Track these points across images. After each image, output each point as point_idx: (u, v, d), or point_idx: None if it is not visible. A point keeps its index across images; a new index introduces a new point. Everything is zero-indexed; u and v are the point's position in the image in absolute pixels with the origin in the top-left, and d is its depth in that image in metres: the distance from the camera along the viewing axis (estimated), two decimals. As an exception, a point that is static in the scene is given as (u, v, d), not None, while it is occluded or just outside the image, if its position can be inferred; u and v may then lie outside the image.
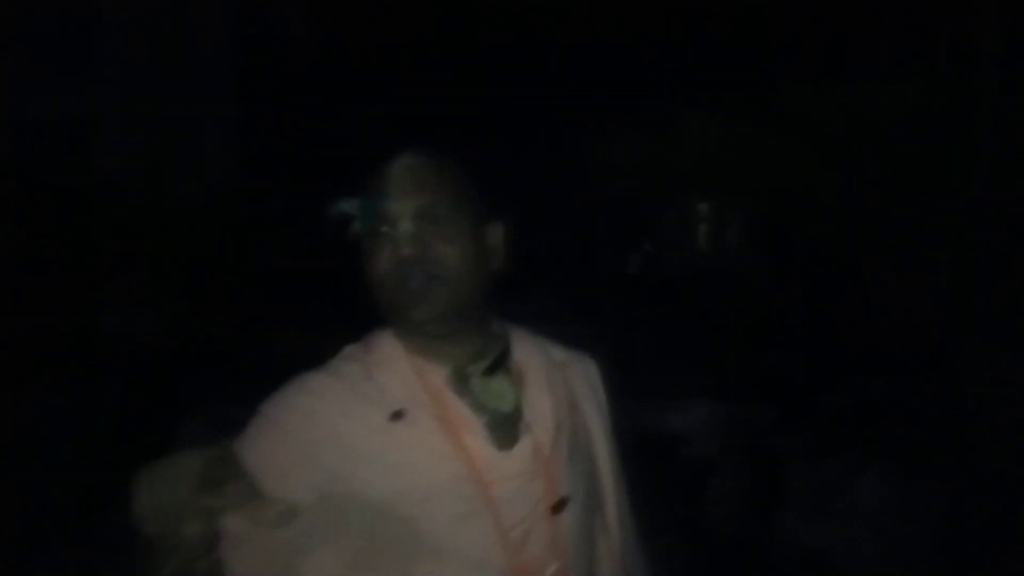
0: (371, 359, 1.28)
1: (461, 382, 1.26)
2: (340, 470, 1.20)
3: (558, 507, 1.25)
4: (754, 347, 6.09)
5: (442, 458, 1.22)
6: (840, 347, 4.56)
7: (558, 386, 1.34)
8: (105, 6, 14.71)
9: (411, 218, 1.23)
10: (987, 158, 3.15)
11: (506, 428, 1.25)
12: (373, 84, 15.73)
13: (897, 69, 3.46)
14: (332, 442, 1.22)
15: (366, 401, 1.24)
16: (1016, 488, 3.33)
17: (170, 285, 8.00)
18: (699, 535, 4.25)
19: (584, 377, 1.40)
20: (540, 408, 1.29)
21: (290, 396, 1.27)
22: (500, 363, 1.30)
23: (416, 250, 1.22)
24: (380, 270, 1.23)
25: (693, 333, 6.97)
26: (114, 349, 6.59)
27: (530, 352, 1.34)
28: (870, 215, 3.49)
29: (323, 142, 15.36)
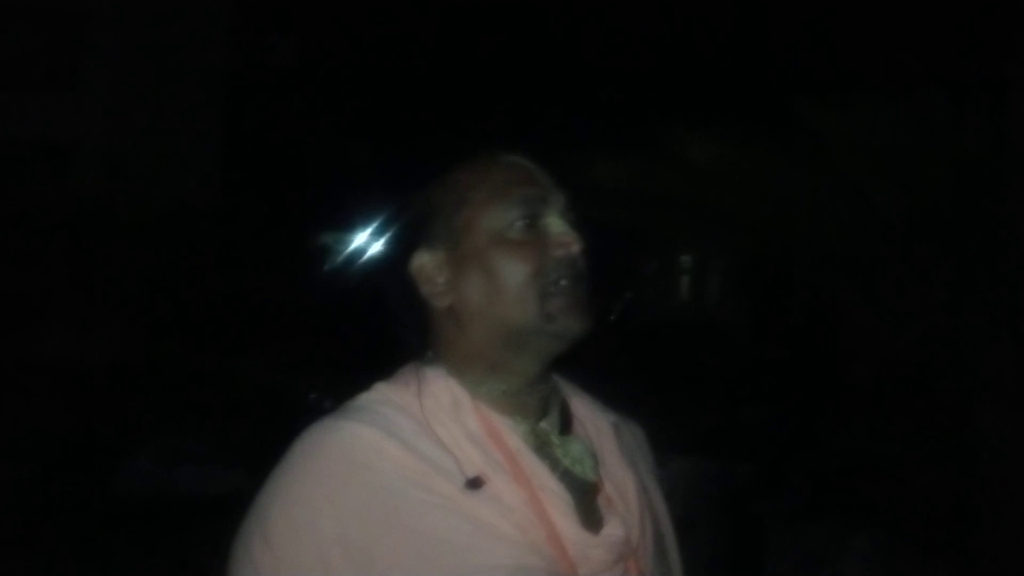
0: (428, 408, 0.99)
1: (540, 441, 1.01)
2: (399, 562, 0.90)
3: None
4: (736, 400, 5.92)
5: (534, 545, 0.93)
6: (827, 403, 4.37)
7: (627, 453, 1.09)
8: (93, 28, 14.60)
9: (562, 211, 1.03)
10: (1015, 200, 2.98)
11: (584, 504, 0.99)
12: (361, 117, 15.66)
13: (920, 91, 3.30)
14: (389, 527, 0.91)
15: (430, 466, 0.94)
16: (1015, 559, 3.11)
17: (126, 310, 7.76)
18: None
19: (638, 445, 1.15)
20: (621, 481, 1.04)
21: (332, 463, 0.95)
22: (569, 420, 1.06)
23: (576, 248, 1.01)
24: (527, 273, 0.98)
25: (672, 384, 6.80)
26: (61, 374, 6.31)
27: (589, 409, 1.10)
28: (873, 256, 3.31)
29: (307, 174, 15.24)
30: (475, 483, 0.93)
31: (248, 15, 16.24)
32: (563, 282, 0.99)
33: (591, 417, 1.08)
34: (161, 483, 5.46)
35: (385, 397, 1.01)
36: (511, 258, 0.99)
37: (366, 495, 0.92)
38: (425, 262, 1.03)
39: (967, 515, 3.09)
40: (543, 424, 1.02)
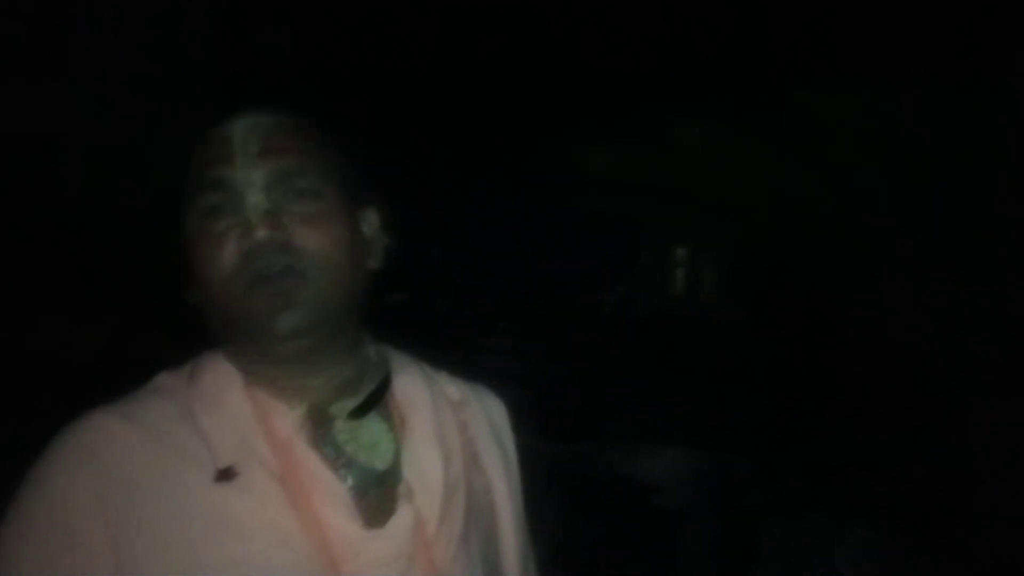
0: (194, 393, 0.94)
1: (320, 427, 0.93)
2: (136, 562, 0.84)
3: None
4: (730, 393, 5.90)
5: (285, 539, 0.86)
6: (822, 396, 4.37)
7: (451, 435, 1.00)
8: (83, 20, 14.52)
9: (262, 189, 0.91)
10: (1012, 194, 2.96)
11: (379, 494, 0.92)
12: (354, 114, 15.60)
13: (917, 84, 3.27)
14: (124, 522, 0.86)
15: (178, 455, 0.89)
16: (1010, 554, 3.11)
17: (116, 305, 7.71)
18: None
19: (487, 421, 1.06)
20: (426, 466, 0.95)
21: (61, 457, 0.89)
22: (374, 401, 0.96)
23: (275, 231, 0.90)
24: (222, 268, 0.90)
25: (666, 376, 6.79)
26: (49, 370, 6.25)
27: (416, 388, 1.00)
28: (869, 249, 3.30)
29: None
30: (226, 474, 0.87)
31: (240, 9, 16.16)
32: (253, 275, 0.89)
33: (414, 395, 0.99)
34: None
35: (157, 384, 0.97)
36: (207, 251, 0.91)
37: (97, 485, 0.87)
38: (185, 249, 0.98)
39: (961, 508, 3.09)
40: (333, 407, 0.94)
